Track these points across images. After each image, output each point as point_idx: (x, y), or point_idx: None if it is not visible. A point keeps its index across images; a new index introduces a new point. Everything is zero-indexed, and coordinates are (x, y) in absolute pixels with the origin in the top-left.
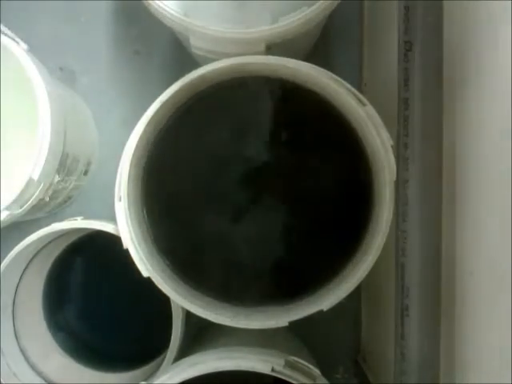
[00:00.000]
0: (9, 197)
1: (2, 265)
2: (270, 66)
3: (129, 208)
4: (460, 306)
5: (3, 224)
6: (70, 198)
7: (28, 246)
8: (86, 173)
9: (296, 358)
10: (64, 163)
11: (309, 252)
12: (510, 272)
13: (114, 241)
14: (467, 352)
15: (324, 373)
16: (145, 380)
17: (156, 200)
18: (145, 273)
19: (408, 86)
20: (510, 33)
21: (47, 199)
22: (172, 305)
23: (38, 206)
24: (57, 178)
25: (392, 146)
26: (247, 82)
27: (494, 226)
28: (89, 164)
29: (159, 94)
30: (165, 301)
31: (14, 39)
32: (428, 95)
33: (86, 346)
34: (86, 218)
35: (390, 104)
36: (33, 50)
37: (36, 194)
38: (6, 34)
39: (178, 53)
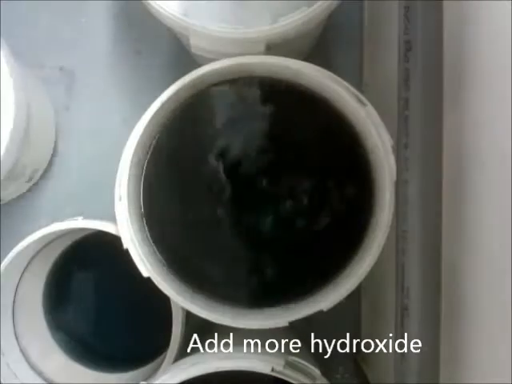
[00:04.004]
0: None
1: (1, 265)
2: (270, 66)
3: (129, 208)
4: (460, 305)
5: None
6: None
7: (28, 246)
8: (29, 180)
9: (296, 358)
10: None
11: (309, 252)
12: (510, 272)
13: (114, 241)
14: (467, 352)
15: (324, 373)
16: (145, 380)
17: (156, 200)
18: (145, 273)
19: (408, 86)
20: (510, 32)
21: None
22: (172, 305)
23: None
24: None
25: (392, 146)
26: (247, 82)
27: (494, 226)
28: (35, 171)
29: (159, 94)
30: (165, 301)
31: None
32: (428, 95)
33: (86, 345)
34: (86, 218)
35: (390, 104)
36: (33, 49)
37: None
38: None
39: (178, 53)
